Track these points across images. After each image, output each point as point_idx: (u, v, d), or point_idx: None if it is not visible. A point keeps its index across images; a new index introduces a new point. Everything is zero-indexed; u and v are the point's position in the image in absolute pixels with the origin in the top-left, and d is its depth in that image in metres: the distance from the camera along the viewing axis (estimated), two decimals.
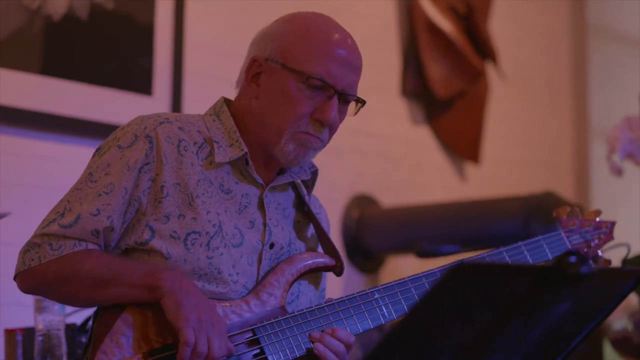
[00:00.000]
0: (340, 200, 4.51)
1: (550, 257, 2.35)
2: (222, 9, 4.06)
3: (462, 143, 5.08)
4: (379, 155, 4.72)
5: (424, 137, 4.97)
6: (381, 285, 2.17)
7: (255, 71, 2.13)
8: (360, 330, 2.13)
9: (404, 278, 2.19)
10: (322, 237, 2.23)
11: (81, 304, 2.13)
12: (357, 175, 4.60)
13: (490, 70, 5.19)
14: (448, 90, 4.91)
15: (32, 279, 2.02)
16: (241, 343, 2.01)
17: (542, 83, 5.71)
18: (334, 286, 3.77)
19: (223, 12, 4.06)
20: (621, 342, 3.92)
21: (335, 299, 2.13)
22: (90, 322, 2.08)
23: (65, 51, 3.53)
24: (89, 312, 2.09)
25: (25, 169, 3.42)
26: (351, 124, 4.54)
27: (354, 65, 2.14)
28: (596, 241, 2.44)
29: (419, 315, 1.49)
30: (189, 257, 2.02)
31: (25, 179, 3.41)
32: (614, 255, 2.47)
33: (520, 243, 2.32)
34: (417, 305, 1.48)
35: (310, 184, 2.26)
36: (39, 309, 2.65)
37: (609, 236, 2.46)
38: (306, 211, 2.25)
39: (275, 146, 2.11)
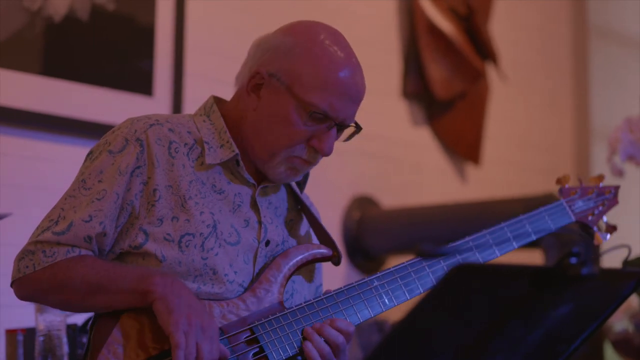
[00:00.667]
0: (341, 201, 4.51)
1: (552, 228, 2.33)
2: (223, 10, 4.06)
3: (463, 144, 5.08)
4: (379, 156, 4.72)
5: (424, 138, 4.97)
6: (380, 272, 2.16)
7: (256, 82, 2.11)
8: (361, 320, 2.11)
9: (403, 263, 2.17)
10: (317, 228, 2.22)
11: (76, 310, 2.13)
12: (357, 176, 4.60)
13: (491, 72, 5.18)
14: (448, 91, 4.91)
15: (27, 286, 2.02)
16: (240, 343, 2.00)
17: (543, 84, 5.71)
18: (334, 286, 3.76)
19: (224, 14, 4.06)
20: (622, 344, 3.92)
21: (334, 290, 2.11)
22: (89, 326, 2.07)
23: (66, 52, 3.53)
24: (90, 312, 2.09)
25: (26, 169, 3.42)
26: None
27: (359, 98, 2.14)
28: (600, 207, 2.42)
29: (419, 316, 1.49)
30: (184, 259, 2.01)
31: (26, 180, 3.41)
32: (615, 258, 2.46)
33: (521, 217, 2.29)
34: (417, 306, 1.48)
35: (301, 182, 2.26)
36: (40, 309, 2.65)
37: (614, 201, 2.44)
38: (299, 209, 2.24)
39: (266, 164, 2.11)
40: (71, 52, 3.54)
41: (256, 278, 2.09)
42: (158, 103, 3.73)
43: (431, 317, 1.52)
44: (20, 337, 2.81)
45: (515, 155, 5.44)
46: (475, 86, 5.06)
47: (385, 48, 4.81)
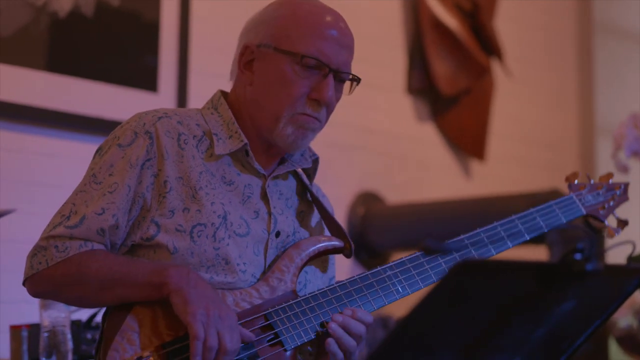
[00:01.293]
0: (346, 197, 4.51)
1: (563, 221, 2.33)
2: (228, 7, 4.06)
3: (468, 140, 5.08)
4: (384, 152, 4.72)
5: (429, 134, 4.97)
6: (392, 262, 2.16)
7: (247, 58, 2.13)
8: (375, 308, 2.11)
9: (415, 252, 2.17)
10: (329, 219, 2.23)
11: (91, 305, 2.14)
12: (362, 173, 4.60)
13: (496, 68, 5.18)
14: (453, 87, 4.91)
15: (41, 282, 2.02)
16: (254, 329, 2.01)
17: (548, 80, 5.71)
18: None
19: (228, 10, 4.06)
20: (626, 340, 3.91)
21: (347, 279, 2.12)
22: (97, 320, 2.08)
23: (70, 48, 3.53)
24: (104, 307, 2.09)
25: (31, 165, 3.42)
26: (356, 121, 4.56)
27: (346, 44, 2.13)
28: (611, 202, 2.42)
29: (424, 312, 1.49)
30: (196, 249, 2.02)
31: (30, 176, 3.42)
32: (619, 253, 2.46)
33: (531, 210, 2.29)
34: (421, 303, 1.48)
35: (311, 172, 2.25)
36: (45, 306, 2.65)
37: (624, 196, 2.44)
38: (309, 199, 2.24)
39: (274, 131, 2.10)
40: (76, 48, 3.55)
41: (268, 268, 2.09)
42: (163, 99, 3.74)
43: (435, 313, 1.52)
44: (25, 333, 2.82)
45: (520, 152, 5.43)
46: (480, 82, 5.05)
47: (390, 44, 4.81)
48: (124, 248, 2.05)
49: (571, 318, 1.69)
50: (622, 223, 2.42)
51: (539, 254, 4.29)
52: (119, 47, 3.67)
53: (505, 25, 5.29)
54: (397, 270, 2.15)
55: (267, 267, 2.10)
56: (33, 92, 3.41)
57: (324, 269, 2.21)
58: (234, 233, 2.06)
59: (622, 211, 2.49)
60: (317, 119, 2.11)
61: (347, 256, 2.18)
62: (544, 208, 2.32)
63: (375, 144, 4.67)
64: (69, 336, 2.68)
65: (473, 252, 2.22)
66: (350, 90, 2.17)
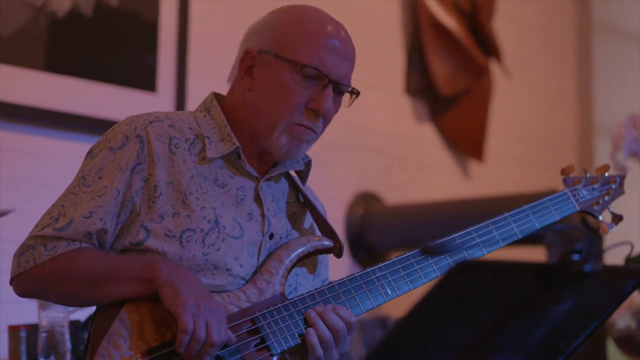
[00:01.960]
0: (344, 197, 4.51)
1: (557, 218, 2.32)
2: (227, 7, 4.06)
3: (466, 140, 5.08)
4: (383, 152, 4.72)
5: (428, 135, 4.97)
6: (382, 263, 2.15)
7: (248, 64, 2.12)
8: (363, 311, 2.10)
9: (405, 253, 2.17)
10: (320, 220, 2.22)
11: (79, 302, 2.12)
12: (361, 173, 4.61)
13: (495, 68, 5.18)
14: (452, 87, 4.91)
15: (28, 281, 2.02)
16: (241, 333, 2.00)
17: (547, 81, 5.71)
18: None
19: (227, 10, 4.06)
20: (625, 341, 3.92)
21: (336, 281, 2.11)
22: (90, 319, 2.07)
23: (69, 48, 3.53)
24: (93, 308, 2.09)
25: (29, 166, 3.42)
26: (355, 121, 4.56)
27: (348, 56, 2.12)
28: (606, 197, 2.41)
29: (422, 312, 1.49)
30: (185, 254, 2.01)
31: (29, 176, 3.42)
32: (617, 254, 2.46)
33: (525, 207, 2.28)
34: (420, 303, 1.48)
35: (304, 174, 2.25)
36: (43, 306, 2.65)
37: (619, 190, 2.43)
38: (302, 202, 2.24)
39: (269, 139, 2.10)
40: (75, 48, 3.55)
41: (257, 270, 2.09)
42: (161, 99, 3.74)
43: (434, 314, 1.52)
44: (23, 333, 2.81)
45: (519, 152, 5.43)
46: (479, 82, 5.06)
47: (389, 44, 4.81)
48: (113, 252, 2.05)
49: (569, 319, 1.69)
50: (617, 218, 2.40)
51: (537, 254, 4.29)
52: (118, 47, 3.67)
53: (504, 25, 5.29)
54: (387, 271, 2.13)
55: (257, 267, 2.09)
56: (32, 92, 3.41)
57: (313, 270, 2.20)
58: (228, 235, 2.05)
59: (621, 211, 2.49)
60: (313, 130, 2.10)
61: (337, 256, 2.17)
62: (537, 205, 2.31)
63: (374, 144, 4.67)
64: (67, 336, 2.68)
65: (464, 252, 2.21)
66: (349, 103, 2.17)
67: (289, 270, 2.10)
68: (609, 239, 2.51)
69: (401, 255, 2.17)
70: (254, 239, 2.09)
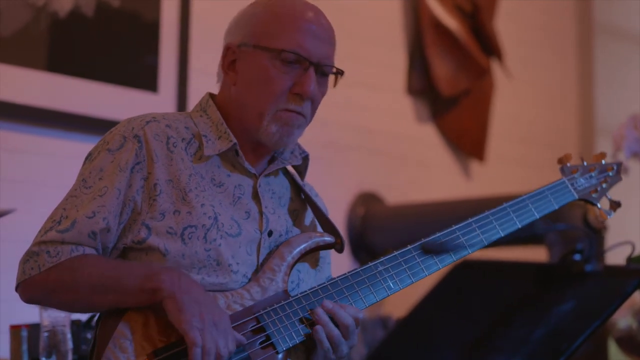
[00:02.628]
0: (346, 197, 4.51)
1: (555, 207, 2.32)
2: (228, 6, 4.05)
3: (467, 141, 5.08)
4: (383, 152, 4.72)
5: (429, 135, 4.97)
6: (383, 257, 2.16)
7: (230, 59, 2.15)
8: (366, 305, 2.10)
9: (407, 247, 2.17)
10: (321, 217, 2.22)
11: (82, 310, 2.13)
12: (362, 173, 4.61)
13: (496, 68, 5.18)
14: (453, 88, 4.91)
15: (33, 288, 2.02)
16: (246, 332, 2.00)
17: (548, 81, 5.71)
18: None
19: (228, 9, 4.04)
20: (626, 341, 3.92)
21: (338, 277, 2.11)
22: (95, 322, 2.07)
23: (71, 48, 3.54)
24: (96, 312, 2.09)
25: (31, 165, 3.42)
26: (356, 121, 4.56)
27: (327, 37, 2.13)
28: (604, 185, 2.41)
29: (423, 312, 1.49)
30: (187, 251, 2.02)
31: (31, 176, 3.42)
32: (618, 254, 2.46)
33: (523, 196, 2.28)
34: (421, 303, 1.48)
35: (302, 169, 2.25)
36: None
37: (617, 177, 2.43)
38: (302, 198, 2.24)
39: (259, 129, 2.10)
40: (76, 48, 3.55)
41: (260, 268, 2.09)
42: (163, 99, 3.74)
43: (435, 314, 1.52)
44: (25, 333, 2.82)
45: (520, 152, 5.43)
46: (480, 83, 5.06)
47: (390, 45, 4.81)
48: (116, 251, 2.05)
49: (571, 318, 1.70)
50: (615, 205, 2.40)
51: (538, 254, 4.29)
52: (119, 47, 3.67)
53: (505, 25, 5.29)
54: (389, 265, 2.14)
55: (259, 266, 2.10)
56: (33, 92, 3.41)
57: (315, 265, 2.21)
58: (226, 234, 2.05)
59: (621, 211, 2.49)
60: (301, 114, 2.11)
61: (339, 251, 2.18)
62: (536, 194, 2.31)
63: (375, 144, 4.67)
64: (69, 336, 2.69)
65: (465, 244, 2.21)
66: (334, 84, 2.17)
67: (291, 267, 2.10)
68: (610, 239, 2.51)
69: (402, 249, 2.17)
70: (252, 236, 2.09)
